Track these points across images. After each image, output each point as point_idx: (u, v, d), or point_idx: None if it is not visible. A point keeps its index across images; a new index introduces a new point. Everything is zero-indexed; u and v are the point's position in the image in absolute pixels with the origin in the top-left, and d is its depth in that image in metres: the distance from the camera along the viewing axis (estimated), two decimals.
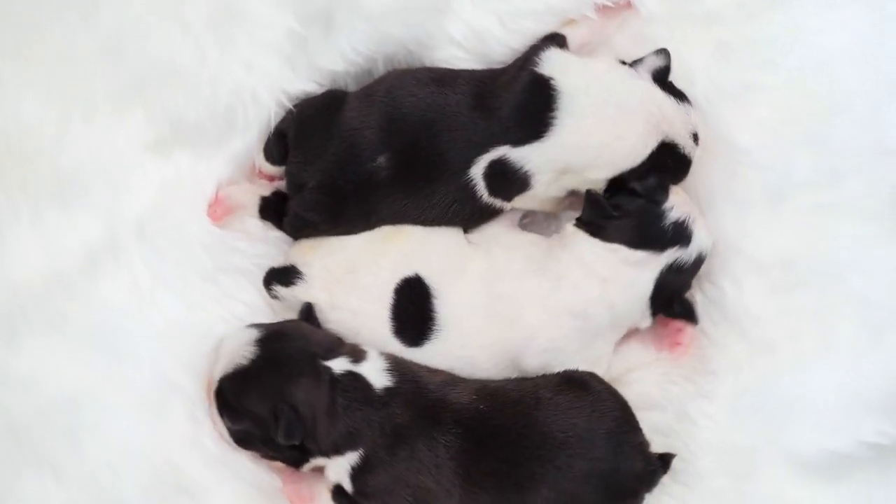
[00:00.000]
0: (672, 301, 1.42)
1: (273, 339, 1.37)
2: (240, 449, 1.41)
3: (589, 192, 1.40)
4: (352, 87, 1.51)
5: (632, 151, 1.38)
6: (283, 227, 1.51)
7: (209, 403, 1.40)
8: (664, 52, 1.42)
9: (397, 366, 1.39)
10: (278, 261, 1.51)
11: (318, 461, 1.38)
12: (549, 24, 1.49)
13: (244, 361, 1.35)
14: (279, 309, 1.49)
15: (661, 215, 1.39)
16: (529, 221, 1.56)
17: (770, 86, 1.45)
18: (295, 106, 1.47)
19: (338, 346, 1.39)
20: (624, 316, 1.41)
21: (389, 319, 1.42)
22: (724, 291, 1.46)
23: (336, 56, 1.46)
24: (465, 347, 1.41)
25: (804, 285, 1.42)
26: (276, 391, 1.33)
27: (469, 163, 1.41)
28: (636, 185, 1.39)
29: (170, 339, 1.44)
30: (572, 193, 1.46)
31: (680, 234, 1.39)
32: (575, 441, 1.33)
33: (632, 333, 1.47)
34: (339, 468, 1.36)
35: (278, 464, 1.42)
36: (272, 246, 1.53)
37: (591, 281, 1.39)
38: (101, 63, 1.40)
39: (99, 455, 1.38)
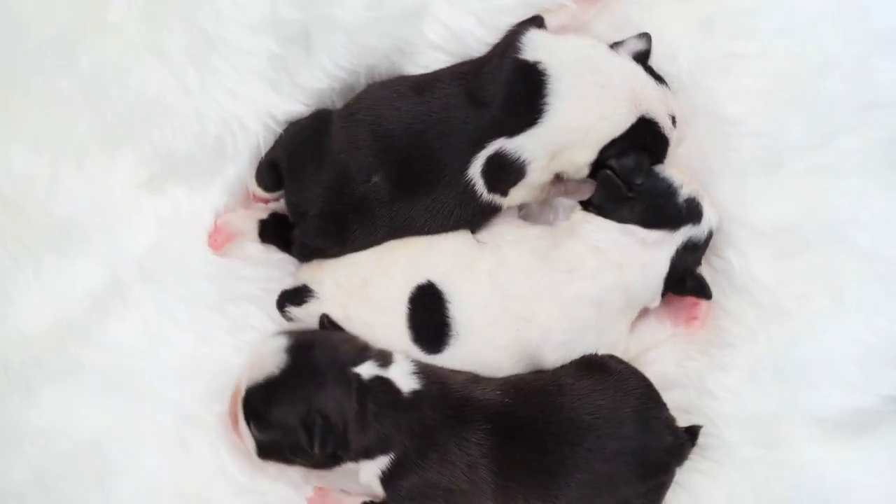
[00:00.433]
0: (684, 278, 1.42)
1: (302, 349, 1.36)
2: (264, 463, 1.40)
3: (604, 174, 1.39)
4: (338, 102, 1.50)
5: (616, 127, 1.38)
6: (293, 254, 1.51)
7: (236, 413, 1.39)
8: (645, 36, 1.42)
9: (422, 368, 1.39)
10: (284, 283, 1.51)
11: (348, 466, 1.37)
12: (527, 17, 1.47)
13: (274, 370, 1.34)
14: (296, 328, 1.48)
15: (674, 193, 1.39)
16: (524, 214, 1.56)
17: (754, 54, 1.45)
18: (284, 131, 1.47)
19: (364, 350, 1.39)
20: (638, 297, 1.41)
21: (407, 328, 1.42)
22: (730, 263, 1.46)
23: (319, 74, 1.46)
24: (483, 350, 1.41)
25: (809, 248, 1.43)
26: (306, 400, 1.32)
27: (466, 164, 1.41)
28: (614, 163, 1.39)
29: (186, 374, 1.45)
30: (557, 178, 1.46)
31: (693, 211, 1.40)
32: (602, 422, 1.34)
33: (646, 312, 1.47)
34: (370, 472, 1.36)
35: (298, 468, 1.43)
36: (276, 269, 1.53)
37: (606, 268, 1.38)
38: (85, 107, 1.40)
39: (128, 496, 1.39)
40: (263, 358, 1.36)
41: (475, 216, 1.45)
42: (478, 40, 1.46)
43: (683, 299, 1.47)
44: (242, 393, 1.37)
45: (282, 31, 1.41)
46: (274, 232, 1.51)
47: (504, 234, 1.47)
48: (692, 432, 1.39)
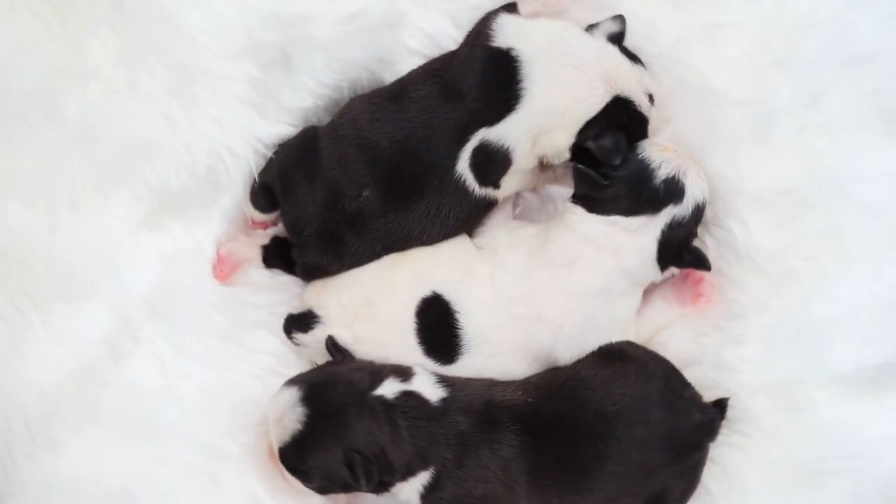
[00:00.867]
0: (681, 252, 1.41)
1: (316, 394, 1.34)
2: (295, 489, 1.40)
3: (577, 167, 1.40)
4: (324, 119, 1.50)
5: (592, 108, 1.38)
6: (296, 274, 1.51)
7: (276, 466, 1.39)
8: (619, 18, 1.42)
9: (443, 377, 1.39)
10: (293, 305, 1.51)
11: (398, 486, 1.37)
12: None
13: (298, 426, 1.33)
14: (306, 352, 1.50)
15: (650, 176, 1.38)
16: (524, 210, 1.56)
17: (731, 21, 1.45)
18: (274, 153, 1.47)
19: (379, 372, 1.38)
20: (640, 276, 1.41)
21: (417, 343, 1.42)
22: (732, 233, 1.45)
23: (302, 93, 1.46)
24: (496, 355, 1.41)
25: (809, 208, 1.43)
26: (337, 443, 1.31)
27: (454, 160, 1.41)
28: (591, 145, 1.39)
29: (207, 407, 1.45)
30: (543, 165, 1.46)
31: (672, 191, 1.38)
32: (629, 410, 1.34)
33: (653, 294, 1.47)
34: (411, 489, 1.36)
35: None
36: (283, 292, 1.53)
37: (602, 256, 1.38)
38: (74, 154, 1.40)
39: None
40: (282, 415, 1.34)
41: (472, 214, 1.45)
42: (456, 42, 1.46)
43: (686, 279, 1.47)
44: (276, 454, 1.36)
45: (261, 56, 1.41)
46: (277, 256, 1.51)
47: (499, 238, 1.47)
48: (720, 406, 1.39)
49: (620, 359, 1.39)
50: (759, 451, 1.43)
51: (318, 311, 1.45)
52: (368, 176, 1.41)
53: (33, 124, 1.39)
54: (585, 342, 1.41)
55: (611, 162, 1.38)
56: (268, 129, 1.46)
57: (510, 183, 1.45)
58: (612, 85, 1.38)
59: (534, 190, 1.56)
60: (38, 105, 1.39)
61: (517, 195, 1.55)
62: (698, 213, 1.41)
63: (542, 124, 1.39)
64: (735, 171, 1.44)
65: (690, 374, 1.44)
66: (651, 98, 1.42)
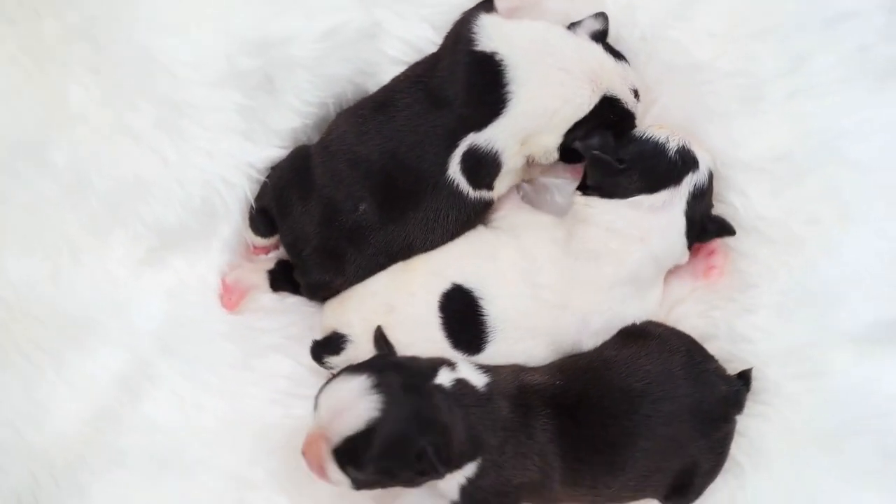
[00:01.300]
0: (705, 225, 1.41)
1: (389, 380, 1.28)
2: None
3: (592, 155, 1.38)
4: (313, 137, 1.50)
5: (578, 110, 1.38)
6: (302, 294, 1.51)
7: (319, 460, 1.30)
8: (601, 16, 1.41)
9: (480, 364, 1.39)
10: (303, 326, 1.52)
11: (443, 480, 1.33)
12: None
13: (375, 413, 1.25)
14: (322, 372, 1.48)
15: (663, 150, 1.38)
16: (522, 198, 1.56)
17: None
18: (268, 177, 1.47)
19: (428, 361, 1.35)
20: (667, 259, 1.41)
21: (444, 337, 1.41)
22: (734, 206, 1.46)
23: (289, 114, 1.46)
24: (522, 341, 1.41)
25: (806, 172, 1.43)
26: (415, 431, 1.26)
27: (444, 166, 1.40)
28: (578, 146, 1.39)
29: (229, 437, 1.45)
30: (530, 162, 1.46)
31: (687, 160, 1.39)
32: (655, 387, 1.34)
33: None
34: (453, 480, 1.33)
35: None
36: (292, 314, 1.53)
37: (629, 245, 1.38)
38: (68, 201, 1.40)
39: None
40: (351, 403, 1.26)
41: (471, 216, 1.45)
42: (436, 46, 1.46)
43: (699, 252, 1.47)
44: (335, 442, 1.27)
45: (244, 82, 1.41)
46: (284, 279, 1.51)
47: (516, 220, 1.46)
48: (745, 377, 1.39)
49: (642, 337, 1.39)
50: (782, 418, 1.43)
51: (343, 330, 1.44)
52: (363, 190, 1.41)
53: (23, 175, 1.39)
54: (611, 331, 1.41)
55: (599, 174, 1.38)
56: (259, 154, 1.46)
57: (504, 182, 1.45)
58: (598, 84, 1.38)
59: (530, 181, 1.56)
60: (27, 155, 1.38)
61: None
62: (712, 180, 1.41)
63: (530, 127, 1.39)
64: (729, 143, 1.44)
65: (707, 348, 1.44)
66: (636, 94, 1.42)
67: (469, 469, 1.32)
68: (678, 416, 1.34)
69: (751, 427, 1.43)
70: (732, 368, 1.43)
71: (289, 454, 1.44)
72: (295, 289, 1.51)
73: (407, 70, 1.46)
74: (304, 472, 1.37)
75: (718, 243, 1.46)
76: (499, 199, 1.47)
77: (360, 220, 1.42)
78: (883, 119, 1.41)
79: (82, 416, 1.41)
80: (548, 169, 1.53)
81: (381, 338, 1.39)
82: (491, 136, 1.39)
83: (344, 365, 1.41)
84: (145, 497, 1.41)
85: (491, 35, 1.39)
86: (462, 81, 1.38)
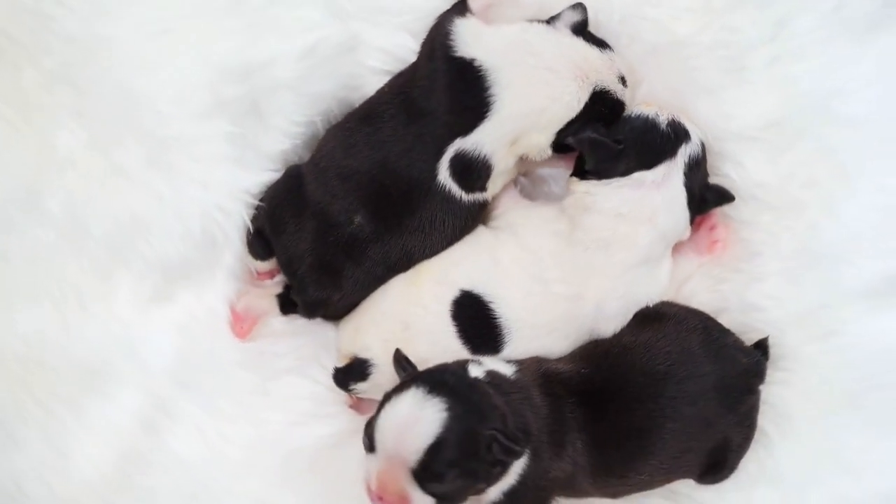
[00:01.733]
0: (703, 196, 1.42)
1: (440, 385, 1.24)
2: None
3: (589, 138, 1.38)
4: (304, 155, 1.50)
5: (568, 108, 1.38)
6: (300, 314, 1.51)
7: (401, 491, 1.22)
8: (579, 6, 1.41)
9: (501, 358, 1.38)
10: (315, 345, 1.51)
11: None
12: None
13: (443, 414, 1.21)
14: (340, 391, 1.49)
15: (654, 125, 1.39)
16: (521, 192, 1.55)
17: None
18: (261, 199, 1.46)
19: (455, 363, 1.33)
20: (673, 235, 1.41)
21: (462, 346, 1.41)
22: (731, 177, 1.45)
23: (278, 136, 1.46)
24: (539, 336, 1.40)
25: (799, 135, 1.43)
26: (481, 425, 1.22)
27: (434, 172, 1.40)
28: (571, 141, 1.39)
29: (255, 465, 1.45)
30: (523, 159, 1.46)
31: (679, 131, 1.39)
32: (676, 368, 1.34)
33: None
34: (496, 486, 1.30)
35: None
36: (303, 335, 1.53)
37: (639, 227, 1.37)
38: (68, 248, 1.40)
39: None
40: (415, 417, 1.21)
41: (468, 219, 1.44)
42: (416, 52, 1.45)
43: (699, 229, 1.47)
44: (412, 463, 1.20)
45: (230, 110, 1.41)
46: (293, 302, 1.50)
47: (516, 219, 1.46)
48: (762, 346, 1.40)
49: (658, 319, 1.39)
50: (803, 382, 1.44)
51: (363, 355, 1.43)
52: (356, 202, 1.41)
53: (20, 226, 1.39)
54: (627, 314, 1.41)
55: (597, 156, 1.38)
56: (253, 180, 1.45)
57: (498, 182, 1.44)
58: (585, 79, 1.37)
59: (525, 174, 1.55)
60: (21, 206, 1.38)
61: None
62: (705, 150, 1.42)
63: (517, 128, 1.38)
64: (719, 116, 1.44)
65: (720, 322, 1.44)
66: (623, 80, 1.42)
67: (517, 465, 1.29)
68: (703, 395, 1.33)
69: (773, 394, 1.43)
70: (747, 338, 1.43)
71: (315, 475, 1.45)
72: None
73: (389, 81, 1.45)
74: (333, 491, 1.38)
75: (718, 217, 1.47)
76: (495, 197, 1.47)
77: (356, 232, 1.41)
78: (868, 74, 1.41)
79: (107, 460, 1.41)
80: (542, 160, 1.53)
81: (401, 359, 1.34)
82: (478, 141, 1.38)
83: (372, 389, 1.42)
84: None
85: (468, 41, 1.38)
86: (443, 89, 1.38)
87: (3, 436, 1.39)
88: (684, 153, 1.39)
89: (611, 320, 1.41)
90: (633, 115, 1.41)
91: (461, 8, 1.42)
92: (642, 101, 1.44)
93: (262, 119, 1.44)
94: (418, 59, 1.43)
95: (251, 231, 1.47)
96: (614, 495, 1.41)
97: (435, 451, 1.20)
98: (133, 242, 1.42)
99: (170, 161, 1.40)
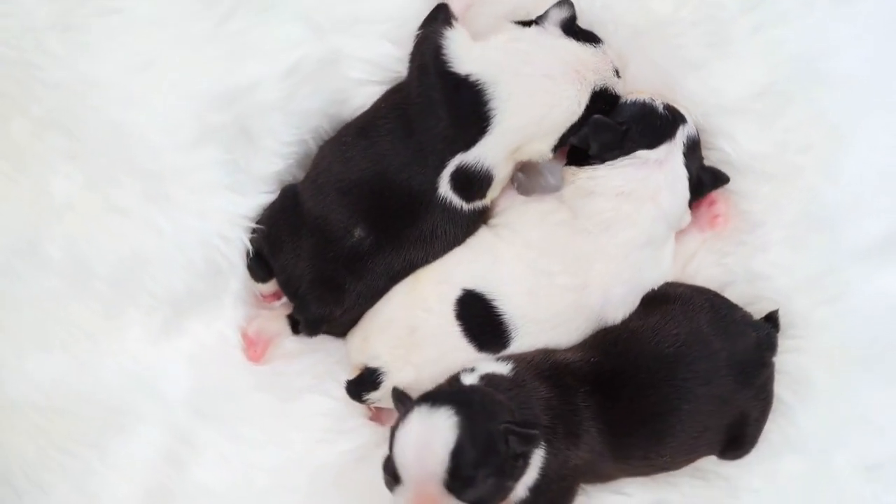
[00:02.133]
0: (700, 178, 1.42)
1: (437, 402, 1.25)
2: None
3: (595, 120, 1.38)
4: (299, 174, 1.50)
5: (569, 112, 1.38)
6: (304, 334, 1.50)
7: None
8: (565, 3, 1.40)
9: (499, 356, 1.38)
10: (329, 361, 1.51)
11: None
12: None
13: (455, 420, 1.21)
14: (359, 406, 1.50)
15: (652, 107, 1.40)
16: (518, 187, 1.55)
17: None
18: (258, 221, 1.47)
19: (445, 380, 1.35)
20: (675, 217, 1.41)
21: (468, 344, 1.41)
22: (725, 151, 1.46)
23: (271, 158, 1.46)
24: (545, 331, 1.40)
25: (789, 101, 1.43)
26: (488, 421, 1.23)
27: (434, 185, 1.40)
28: (574, 141, 1.40)
29: (283, 487, 1.45)
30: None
31: (676, 114, 1.41)
32: (686, 349, 1.34)
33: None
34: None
35: None
36: (317, 352, 1.52)
37: (641, 206, 1.38)
38: (73, 291, 1.40)
39: None
40: (429, 433, 1.22)
41: (469, 226, 1.44)
42: (399, 59, 1.45)
43: (700, 207, 1.47)
44: (442, 475, 1.20)
45: (220, 137, 1.41)
46: None
47: (514, 215, 1.46)
48: (772, 318, 1.40)
49: (664, 301, 1.39)
50: (817, 347, 1.44)
51: (373, 364, 1.43)
52: (356, 215, 1.41)
53: (23, 275, 1.39)
54: (635, 298, 1.41)
55: (603, 138, 1.39)
56: (249, 204, 1.45)
57: (497, 189, 1.44)
58: (583, 82, 1.38)
59: (521, 169, 1.55)
60: (23, 255, 1.38)
61: None
62: (698, 132, 1.43)
63: (519, 138, 1.39)
64: (708, 92, 1.44)
65: (728, 295, 1.45)
66: (617, 72, 1.42)
67: (537, 459, 1.29)
68: (716, 373, 1.34)
69: (787, 362, 1.43)
70: (757, 309, 1.43)
71: (343, 490, 1.46)
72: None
73: (384, 95, 1.45)
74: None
75: (717, 194, 1.47)
76: (494, 200, 1.47)
77: (356, 246, 1.41)
78: (851, 33, 1.41)
79: (136, 498, 1.42)
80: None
81: (399, 395, 1.34)
82: (479, 154, 1.39)
83: (386, 397, 1.41)
84: None
85: (460, 55, 1.38)
86: (440, 105, 1.37)
87: (30, 485, 1.40)
88: (683, 134, 1.40)
89: (618, 307, 1.40)
90: (628, 102, 1.42)
91: (445, 16, 1.41)
92: (633, 89, 1.45)
93: (253, 142, 1.44)
94: (410, 74, 1.43)
95: (250, 254, 1.47)
96: (641, 475, 1.41)
97: (458, 456, 1.20)
98: (138, 278, 1.42)
99: (166, 194, 1.40)
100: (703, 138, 1.45)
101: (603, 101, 1.40)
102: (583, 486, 1.41)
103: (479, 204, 1.43)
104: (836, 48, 1.41)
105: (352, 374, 1.46)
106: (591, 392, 1.34)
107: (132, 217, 1.40)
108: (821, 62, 1.41)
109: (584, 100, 1.38)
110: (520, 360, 1.36)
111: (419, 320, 1.42)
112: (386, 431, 1.47)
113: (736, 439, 1.38)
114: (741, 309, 1.40)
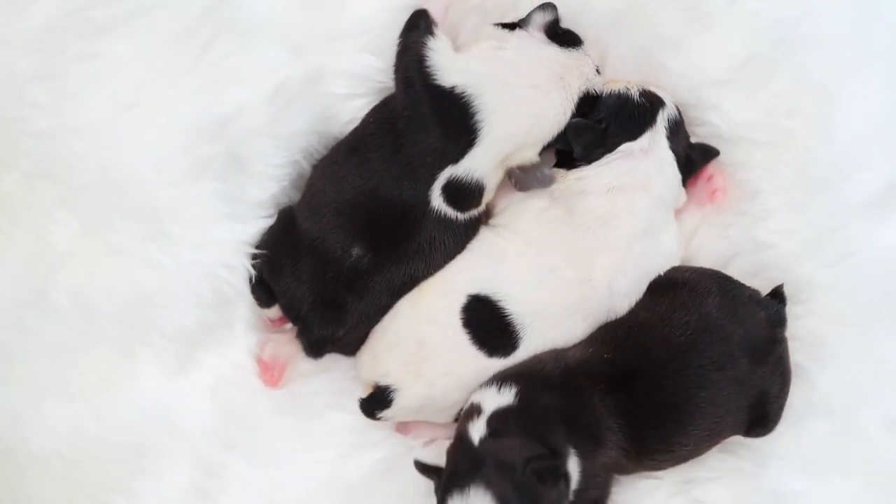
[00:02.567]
0: (689, 157, 1.43)
1: (460, 479, 1.28)
2: None
3: (573, 124, 1.39)
4: (294, 195, 1.49)
5: (556, 121, 1.39)
6: (308, 355, 1.49)
7: None
8: (548, 6, 1.40)
9: (499, 376, 1.37)
10: (346, 377, 1.51)
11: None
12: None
13: (491, 500, 1.25)
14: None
15: (628, 97, 1.40)
16: (515, 182, 1.54)
17: None
18: (257, 246, 1.46)
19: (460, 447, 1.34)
20: (671, 199, 1.41)
21: (478, 352, 1.40)
22: (714, 124, 1.46)
23: (264, 183, 1.45)
24: (554, 326, 1.40)
25: (773, 68, 1.43)
26: (518, 478, 1.25)
27: (426, 199, 1.40)
28: (561, 146, 1.41)
29: None
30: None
31: (652, 99, 1.41)
32: (697, 336, 1.34)
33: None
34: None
35: None
36: (332, 370, 1.52)
37: (635, 197, 1.38)
38: (84, 336, 1.40)
39: None
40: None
41: (468, 233, 1.44)
42: (382, 70, 1.45)
43: (697, 183, 1.47)
44: None
45: (212, 168, 1.40)
46: None
47: (510, 216, 1.46)
48: (778, 294, 1.39)
49: (671, 288, 1.39)
50: (827, 308, 1.44)
51: (383, 382, 1.43)
52: (352, 234, 1.40)
53: (34, 327, 1.39)
54: (641, 286, 1.41)
55: (584, 140, 1.39)
56: (249, 231, 1.45)
57: (489, 195, 1.44)
58: (569, 89, 1.38)
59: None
60: (30, 307, 1.39)
61: None
62: (679, 111, 1.43)
63: (507, 148, 1.39)
64: (690, 67, 1.44)
65: (735, 267, 1.46)
66: (598, 70, 1.42)
67: (573, 466, 1.31)
68: (730, 357, 1.33)
69: (801, 327, 1.43)
70: (764, 278, 1.43)
71: (375, 501, 1.46)
72: (330, 349, 1.50)
73: (373, 109, 1.45)
74: None
75: (713, 168, 1.47)
76: (489, 203, 1.47)
77: (356, 265, 1.41)
78: None
79: None
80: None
81: (422, 468, 1.36)
82: (469, 166, 1.39)
83: (399, 413, 1.43)
84: None
85: (445, 66, 1.38)
86: (428, 118, 1.37)
87: None
88: (663, 118, 1.40)
89: (624, 298, 1.40)
90: (605, 95, 1.42)
91: (426, 23, 1.41)
92: (609, 79, 1.45)
93: (245, 169, 1.43)
94: (396, 87, 1.42)
95: (252, 280, 1.47)
96: (666, 467, 1.41)
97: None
98: (147, 317, 1.42)
99: (165, 230, 1.40)
100: (691, 114, 1.45)
101: (586, 103, 1.40)
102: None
103: (474, 212, 1.43)
104: (814, 9, 1.41)
105: (364, 392, 1.46)
106: (607, 391, 1.34)
107: (134, 257, 1.39)
108: (801, 26, 1.41)
109: (570, 107, 1.39)
110: (525, 376, 1.36)
111: (426, 334, 1.41)
112: (411, 440, 1.49)
113: (759, 418, 1.38)
114: (748, 287, 1.40)
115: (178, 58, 1.38)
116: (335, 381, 1.52)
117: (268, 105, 1.41)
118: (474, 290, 1.41)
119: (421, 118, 1.37)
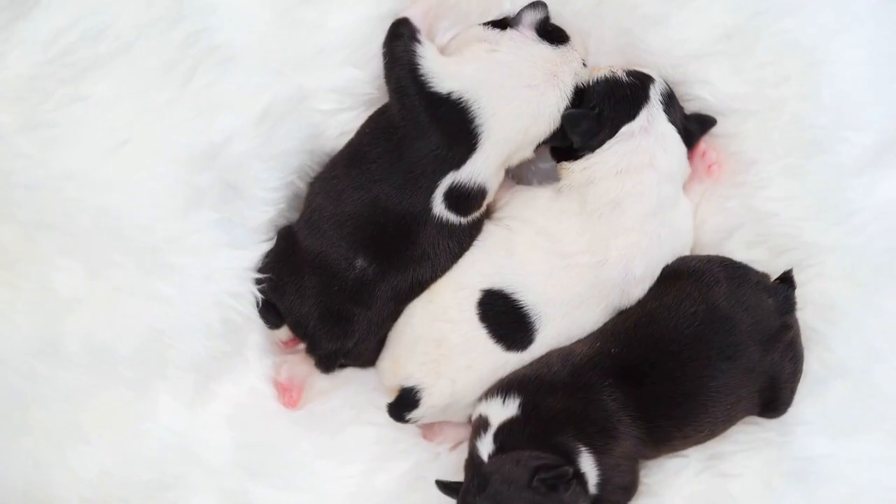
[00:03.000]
0: (686, 128, 1.43)
1: (476, 498, 1.30)
2: None
3: (566, 115, 1.39)
4: (292, 216, 1.49)
5: (552, 119, 1.39)
6: (321, 370, 1.49)
7: None
8: (540, 5, 1.40)
9: (505, 384, 1.38)
10: (365, 390, 1.52)
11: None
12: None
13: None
14: (404, 427, 1.50)
15: (616, 79, 1.41)
16: (513, 177, 1.55)
17: None
18: (260, 270, 1.46)
19: (468, 471, 1.38)
20: (678, 174, 1.42)
21: (495, 345, 1.41)
22: (703, 97, 1.46)
23: (262, 207, 1.45)
24: (569, 312, 1.41)
25: (756, 37, 1.43)
26: (527, 494, 1.28)
27: (428, 206, 1.40)
28: (554, 143, 1.42)
29: None
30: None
31: (641, 76, 1.42)
32: (705, 326, 1.35)
33: None
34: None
35: None
36: (350, 384, 1.53)
37: (644, 176, 1.39)
38: (99, 380, 1.40)
39: None
40: None
41: (472, 234, 1.44)
42: (367, 82, 1.45)
43: (692, 158, 1.46)
44: None
45: (208, 198, 1.40)
46: None
47: (517, 208, 1.46)
48: (787, 279, 1.39)
49: (677, 279, 1.39)
50: (835, 270, 1.44)
51: (408, 384, 1.43)
52: (356, 245, 1.40)
53: (47, 375, 1.39)
54: (655, 271, 1.41)
55: (581, 129, 1.39)
56: (251, 256, 1.45)
57: (490, 198, 1.44)
58: (561, 87, 1.39)
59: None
60: (43, 357, 1.38)
61: None
62: (668, 84, 1.43)
63: (507, 150, 1.39)
64: (674, 44, 1.44)
65: (738, 240, 1.46)
66: (584, 62, 1.43)
67: (587, 463, 1.32)
68: (738, 347, 1.34)
69: (810, 291, 1.43)
70: (768, 247, 1.44)
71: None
72: (343, 363, 1.51)
73: (368, 121, 1.44)
74: None
75: (705, 143, 1.47)
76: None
77: (361, 276, 1.41)
78: None
79: None
80: None
81: (442, 485, 1.37)
82: (471, 171, 1.39)
83: (428, 413, 1.44)
84: None
85: (438, 72, 1.37)
86: (426, 126, 1.37)
87: None
88: (656, 92, 1.41)
89: (639, 283, 1.40)
90: (592, 83, 1.42)
91: (410, 31, 1.40)
92: (592, 67, 1.45)
93: (241, 195, 1.43)
94: (389, 97, 1.42)
95: (259, 303, 1.47)
96: (685, 448, 1.42)
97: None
98: (159, 353, 1.41)
99: (168, 264, 1.40)
100: (679, 90, 1.46)
101: (576, 96, 1.41)
102: None
103: (476, 214, 1.43)
104: None
105: (389, 398, 1.46)
106: (615, 385, 1.35)
107: (140, 295, 1.39)
108: None
109: (564, 104, 1.39)
110: (529, 382, 1.37)
111: (443, 332, 1.42)
112: (436, 447, 1.49)
113: (770, 401, 1.38)
114: (756, 272, 1.40)
115: (162, 91, 1.38)
116: (354, 395, 1.52)
117: (256, 128, 1.41)
118: (487, 285, 1.41)
119: (419, 126, 1.37)
